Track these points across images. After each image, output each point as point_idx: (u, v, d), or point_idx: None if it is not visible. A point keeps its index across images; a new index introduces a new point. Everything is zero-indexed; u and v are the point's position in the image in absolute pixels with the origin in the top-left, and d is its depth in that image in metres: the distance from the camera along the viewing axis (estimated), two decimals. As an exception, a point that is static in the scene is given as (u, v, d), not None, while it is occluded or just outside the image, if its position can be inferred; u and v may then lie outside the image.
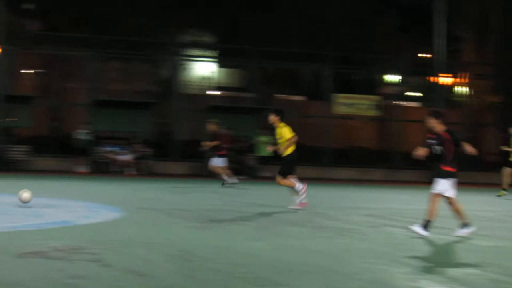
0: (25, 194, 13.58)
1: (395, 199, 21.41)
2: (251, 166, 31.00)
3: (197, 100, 36.55)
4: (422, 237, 10.90)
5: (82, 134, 30.07)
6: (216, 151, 23.50)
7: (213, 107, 33.47)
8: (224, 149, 23.55)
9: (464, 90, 39.16)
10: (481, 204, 19.70)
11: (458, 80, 39.04)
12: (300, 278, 7.41)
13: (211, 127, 23.72)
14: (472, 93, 38.92)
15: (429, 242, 10.69)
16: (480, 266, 8.63)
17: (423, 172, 31.30)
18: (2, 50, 28.90)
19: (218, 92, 39.98)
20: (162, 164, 31.68)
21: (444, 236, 11.39)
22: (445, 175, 11.04)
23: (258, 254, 8.98)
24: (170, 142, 33.64)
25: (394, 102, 38.71)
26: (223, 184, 23.31)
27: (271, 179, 29.13)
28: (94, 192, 18.80)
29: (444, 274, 8.15)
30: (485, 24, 38.91)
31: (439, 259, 9.49)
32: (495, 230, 13.02)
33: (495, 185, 26.37)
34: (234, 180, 23.48)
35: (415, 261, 8.88)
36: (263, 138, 31.08)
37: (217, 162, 23.53)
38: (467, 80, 39.05)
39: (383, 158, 36.66)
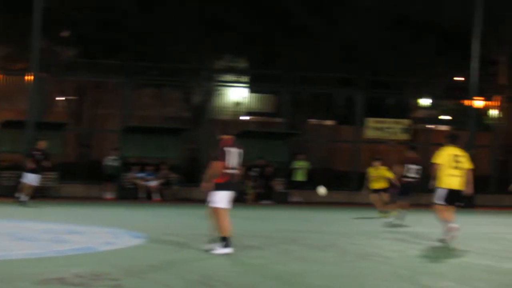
0: None
1: (422, 222, 20.67)
2: (278, 191, 30.95)
3: (229, 126, 36.21)
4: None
5: (110, 160, 30.23)
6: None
7: (245, 132, 33.34)
8: None
9: (496, 113, 38.75)
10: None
11: (491, 103, 38.63)
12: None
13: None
14: (504, 116, 38.47)
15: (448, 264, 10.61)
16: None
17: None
18: (35, 77, 29.13)
19: (249, 118, 40.01)
20: (188, 190, 31.29)
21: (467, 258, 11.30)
22: None
23: (284, 277, 9.14)
24: (197, 168, 33.40)
25: (426, 126, 38.31)
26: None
27: (300, 204, 29.19)
28: (119, 218, 18.82)
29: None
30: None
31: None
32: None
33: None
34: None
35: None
36: (298, 163, 31.06)
37: None
38: (499, 103, 38.64)
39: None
